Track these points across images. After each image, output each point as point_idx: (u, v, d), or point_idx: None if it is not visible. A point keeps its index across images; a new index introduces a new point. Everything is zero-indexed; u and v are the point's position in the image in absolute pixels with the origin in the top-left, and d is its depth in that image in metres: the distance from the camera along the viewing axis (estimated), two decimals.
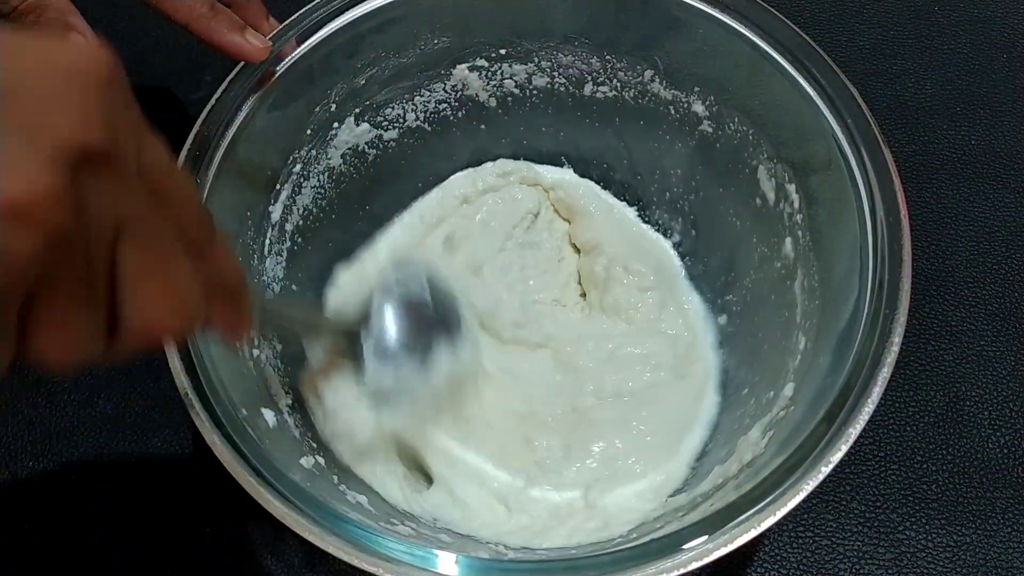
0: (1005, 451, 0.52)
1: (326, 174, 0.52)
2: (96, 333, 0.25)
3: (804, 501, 0.34)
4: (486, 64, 0.53)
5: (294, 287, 0.50)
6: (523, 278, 0.56)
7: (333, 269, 0.53)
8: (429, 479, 0.49)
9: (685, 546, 0.33)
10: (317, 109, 0.49)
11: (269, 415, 0.41)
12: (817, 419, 0.36)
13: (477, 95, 0.55)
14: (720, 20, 0.46)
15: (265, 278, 0.48)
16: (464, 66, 0.53)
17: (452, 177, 0.58)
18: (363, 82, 0.50)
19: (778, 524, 0.34)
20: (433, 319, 0.46)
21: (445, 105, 0.55)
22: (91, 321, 0.25)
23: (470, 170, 0.59)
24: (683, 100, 0.52)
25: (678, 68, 0.51)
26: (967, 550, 0.49)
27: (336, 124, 0.51)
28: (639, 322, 0.53)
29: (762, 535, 0.34)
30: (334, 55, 0.48)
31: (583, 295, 0.57)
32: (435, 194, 0.58)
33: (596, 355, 0.52)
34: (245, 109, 0.44)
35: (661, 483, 0.47)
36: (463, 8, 0.50)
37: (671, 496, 0.47)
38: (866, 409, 0.35)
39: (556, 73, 0.54)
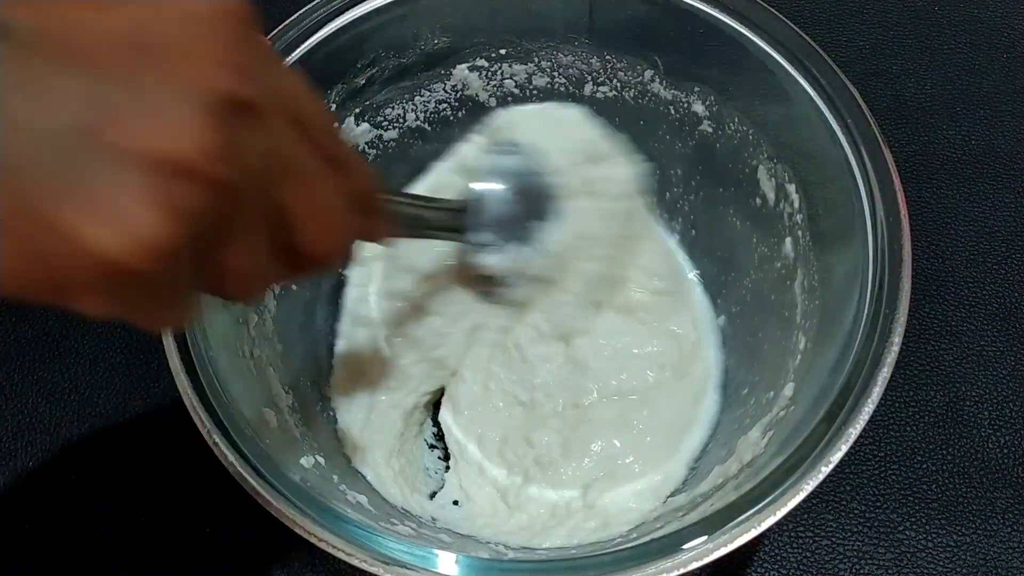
0: (1005, 451, 0.52)
1: None
2: (274, 261, 0.27)
3: (804, 501, 0.34)
4: (486, 64, 0.53)
5: (294, 286, 0.50)
6: None
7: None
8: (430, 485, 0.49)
9: (685, 546, 0.33)
10: None
11: (269, 415, 0.41)
12: (817, 419, 0.36)
13: (477, 95, 0.55)
14: (720, 20, 0.46)
15: None
16: (464, 66, 0.53)
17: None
18: (363, 82, 0.50)
19: (778, 524, 0.34)
20: (536, 199, 0.47)
21: (445, 105, 0.55)
22: (267, 256, 0.26)
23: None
24: (683, 100, 0.52)
25: (678, 68, 0.51)
26: (967, 550, 0.49)
27: (336, 124, 0.51)
28: (650, 322, 0.53)
29: (762, 535, 0.34)
30: (334, 55, 0.48)
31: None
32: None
33: (604, 353, 0.52)
34: None
35: (660, 483, 0.47)
36: (463, 8, 0.50)
37: (670, 496, 0.47)
38: (866, 409, 0.35)
39: (556, 73, 0.54)
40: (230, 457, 0.35)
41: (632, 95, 0.53)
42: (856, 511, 0.50)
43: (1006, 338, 0.55)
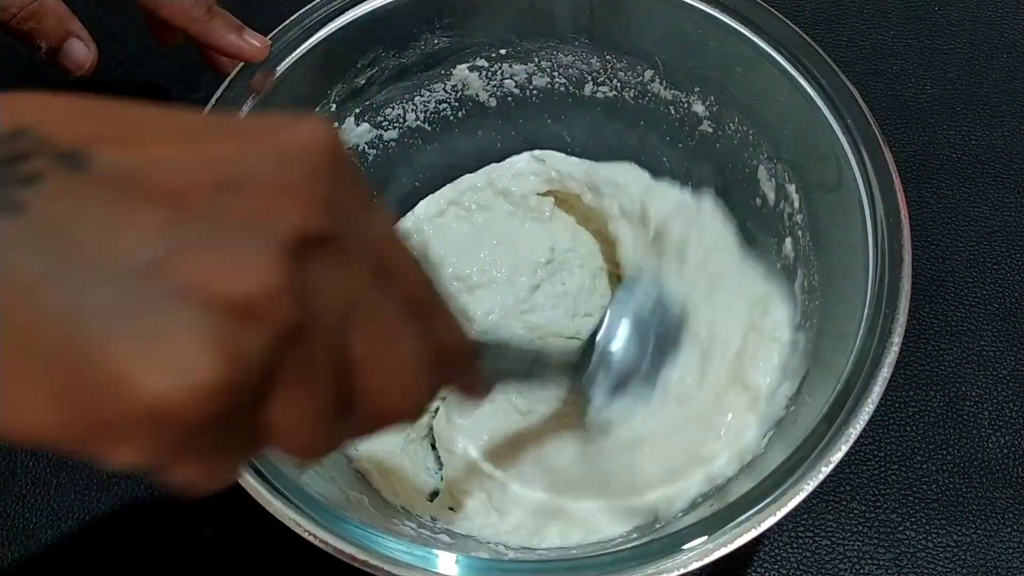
0: (1005, 451, 0.52)
1: None
2: (333, 420, 0.24)
3: (804, 501, 0.34)
4: (486, 64, 0.53)
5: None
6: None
7: None
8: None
9: (685, 546, 0.33)
10: (317, 109, 0.49)
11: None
12: (817, 419, 0.36)
13: (477, 95, 0.55)
14: (720, 20, 0.46)
15: None
16: (464, 66, 0.53)
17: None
18: (363, 82, 0.50)
19: (778, 524, 0.34)
20: (659, 343, 0.44)
21: (445, 105, 0.55)
22: (327, 409, 0.23)
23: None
24: (683, 100, 0.52)
25: (678, 68, 0.51)
26: (967, 550, 0.49)
27: (336, 124, 0.51)
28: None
29: (762, 535, 0.34)
30: (334, 55, 0.48)
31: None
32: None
33: None
34: (245, 109, 0.44)
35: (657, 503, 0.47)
36: (463, 8, 0.50)
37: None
38: (866, 409, 0.35)
39: (556, 73, 0.54)
40: None
41: (632, 95, 0.53)
42: (856, 511, 0.50)
43: (1006, 338, 0.55)
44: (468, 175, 0.58)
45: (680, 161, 0.54)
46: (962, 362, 0.55)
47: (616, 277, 0.56)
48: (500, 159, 0.58)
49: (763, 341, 0.46)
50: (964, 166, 0.62)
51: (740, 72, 0.47)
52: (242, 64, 0.45)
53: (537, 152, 0.58)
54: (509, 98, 0.55)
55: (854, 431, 0.35)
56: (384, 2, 0.48)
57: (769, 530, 0.34)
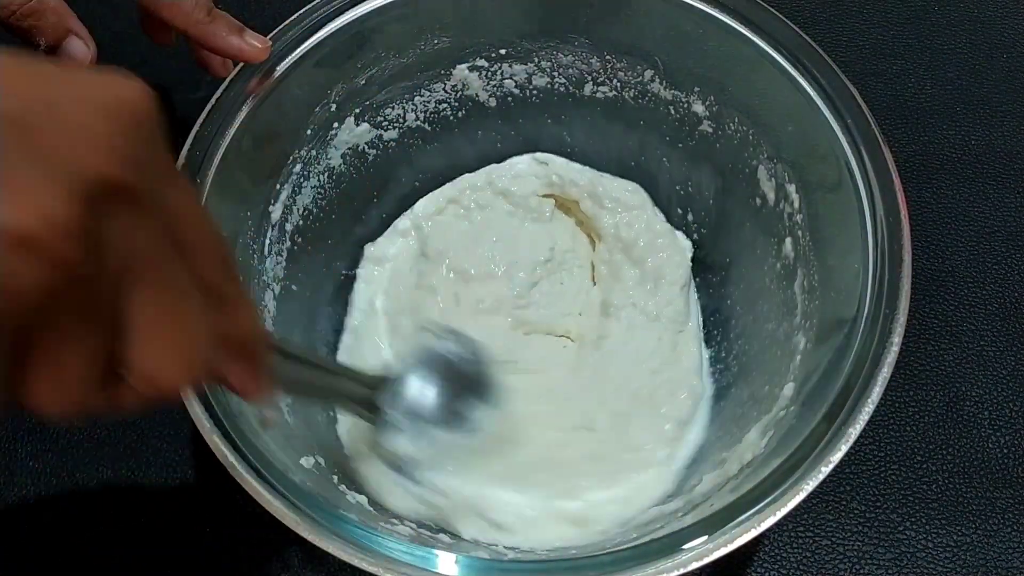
0: (1005, 451, 0.52)
1: (326, 174, 0.52)
2: (95, 380, 0.23)
3: (804, 501, 0.34)
4: (486, 64, 0.53)
5: (294, 287, 0.50)
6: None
7: (334, 267, 0.54)
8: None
9: (685, 546, 0.33)
10: (317, 109, 0.49)
11: (269, 415, 0.41)
12: (817, 419, 0.36)
13: (477, 95, 0.55)
14: (720, 20, 0.46)
15: (265, 278, 0.48)
16: (464, 66, 0.53)
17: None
18: (363, 82, 0.50)
19: (778, 524, 0.34)
20: (459, 382, 0.45)
21: (445, 105, 0.55)
22: (91, 366, 0.23)
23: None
24: (683, 100, 0.52)
25: (678, 68, 0.51)
26: (967, 550, 0.49)
27: (336, 124, 0.51)
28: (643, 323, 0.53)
29: (762, 535, 0.34)
30: (334, 55, 0.48)
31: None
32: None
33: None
34: (245, 109, 0.44)
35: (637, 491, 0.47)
36: (463, 8, 0.50)
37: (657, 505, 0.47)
38: (866, 409, 0.35)
39: (556, 73, 0.54)
40: (230, 457, 0.35)
41: (632, 95, 0.53)
42: (856, 511, 0.50)
43: (1006, 338, 0.55)
44: (468, 175, 0.58)
45: (680, 161, 0.54)
46: (962, 362, 0.55)
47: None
48: (500, 159, 0.58)
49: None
50: (964, 166, 0.62)
51: (740, 72, 0.47)
52: (242, 64, 0.45)
53: (540, 155, 0.58)
54: (509, 98, 0.55)
55: (854, 431, 0.35)
56: (384, 2, 0.48)
57: (769, 530, 0.34)
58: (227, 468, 0.35)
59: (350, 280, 0.56)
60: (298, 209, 0.50)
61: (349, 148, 0.53)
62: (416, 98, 0.54)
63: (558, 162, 0.58)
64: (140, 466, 0.52)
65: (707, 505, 0.39)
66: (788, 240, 0.47)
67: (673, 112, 0.52)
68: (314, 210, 0.52)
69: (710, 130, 0.51)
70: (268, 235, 0.48)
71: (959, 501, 0.50)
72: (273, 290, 0.48)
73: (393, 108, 0.53)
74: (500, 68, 0.54)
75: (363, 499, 0.42)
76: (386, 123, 0.54)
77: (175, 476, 0.51)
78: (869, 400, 0.36)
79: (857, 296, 0.39)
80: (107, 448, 0.53)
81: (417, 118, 0.55)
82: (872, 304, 0.38)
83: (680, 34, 0.48)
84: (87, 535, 0.50)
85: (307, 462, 0.41)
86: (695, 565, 0.33)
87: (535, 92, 0.55)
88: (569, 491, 0.47)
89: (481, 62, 0.53)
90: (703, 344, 0.54)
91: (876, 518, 0.50)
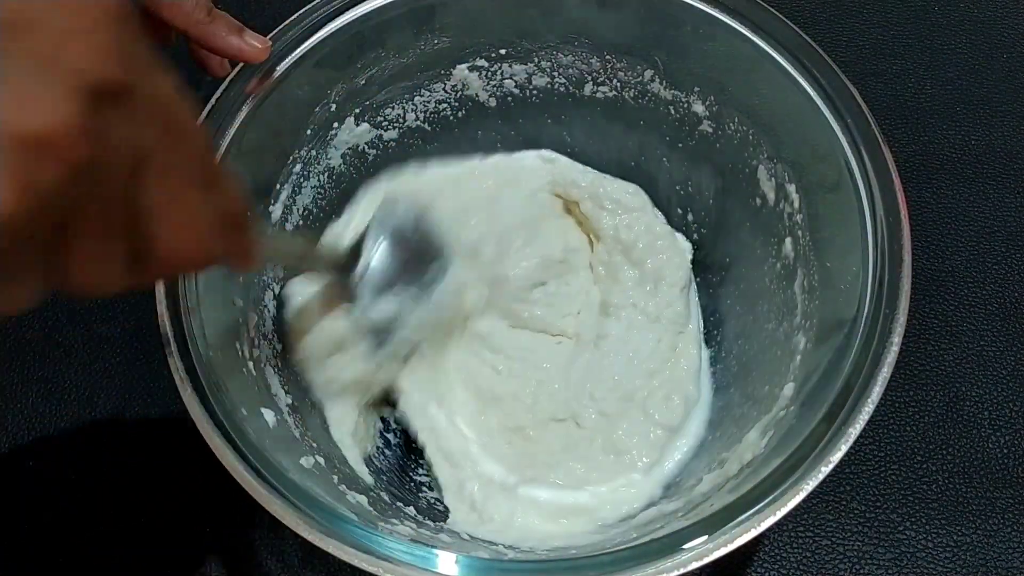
0: (1005, 451, 0.52)
1: (326, 174, 0.52)
2: (124, 262, 0.26)
3: (804, 501, 0.34)
4: (486, 64, 0.53)
5: (295, 286, 0.50)
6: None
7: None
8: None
9: (685, 546, 0.33)
10: (317, 109, 0.49)
11: (269, 415, 0.42)
12: (817, 419, 0.36)
13: (477, 95, 0.55)
14: (720, 20, 0.46)
15: (266, 278, 0.48)
16: (464, 66, 0.53)
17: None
18: (363, 82, 0.50)
19: (778, 524, 0.34)
20: (421, 256, 0.48)
21: (445, 105, 0.55)
22: (119, 251, 0.25)
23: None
24: (683, 100, 0.52)
25: (678, 68, 0.51)
26: (967, 550, 0.49)
27: (336, 124, 0.51)
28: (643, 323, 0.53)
29: (762, 535, 0.34)
30: (334, 55, 0.48)
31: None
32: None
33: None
34: (245, 109, 0.44)
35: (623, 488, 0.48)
36: (463, 8, 0.50)
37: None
38: (866, 409, 0.35)
39: (556, 73, 0.54)
40: (230, 457, 0.35)
41: (632, 95, 0.53)
42: (856, 511, 0.50)
43: (1006, 338, 0.55)
44: (476, 160, 0.57)
45: (680, 161, 0.54)
46: (962, 362, 0.55)
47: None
48: None
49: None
50: (964, 166, 0.62)
51: (740, 72, 0.47)
52: (242, 64, 0.45)
53: (545, 152, 0.58)
54: (509, 98, 0.55)
55: (854, 431, 0.35)
56: (384, 2, 0.48)
57: (769, 530, 0.34)
58: (227, 468, 0.35)
59: None
60: (298, 209, 0.50)
61: (349, 148, 0.53)
62: (416, 98, 0.54)
63: (563, 161, 0.58)
64: (140, 466, 0.52)
65: (707, 505, 0.39)
66: (788, 240, 0.47)
67: (673, 112, 0.52)
68: (314, 210, 0.52)
69: (710, 130, 0.51)
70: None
71: (959, 501, 0.50)
72: (273, 290, 0.48)
73: (393, 108, 0.53)
74: (500, 68, 0.54)
75: (363, 499, 0.42)
76: (386, 123, 0.54)
77: (175, 476, 0.51)
78: (869, 400, 0.36)
79: (857, 296, 0.39)
80: (107, 448, 0.53)
81: (417, 118, 0.55)
82: (872, 304, 0.38)
83: (680, 34, 0.48)
84: (87, 535, 0.50)
85: (307, 462, 0.41)
86: (695, 565, 0.33)
87: (535, 92, 0.55)
88: (536, 477, 0.48)
89: (481, 62, 0.53)
90: (703, 346, 0.54)
91: (876, 518, 0.50)
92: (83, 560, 0.50)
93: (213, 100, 0.44)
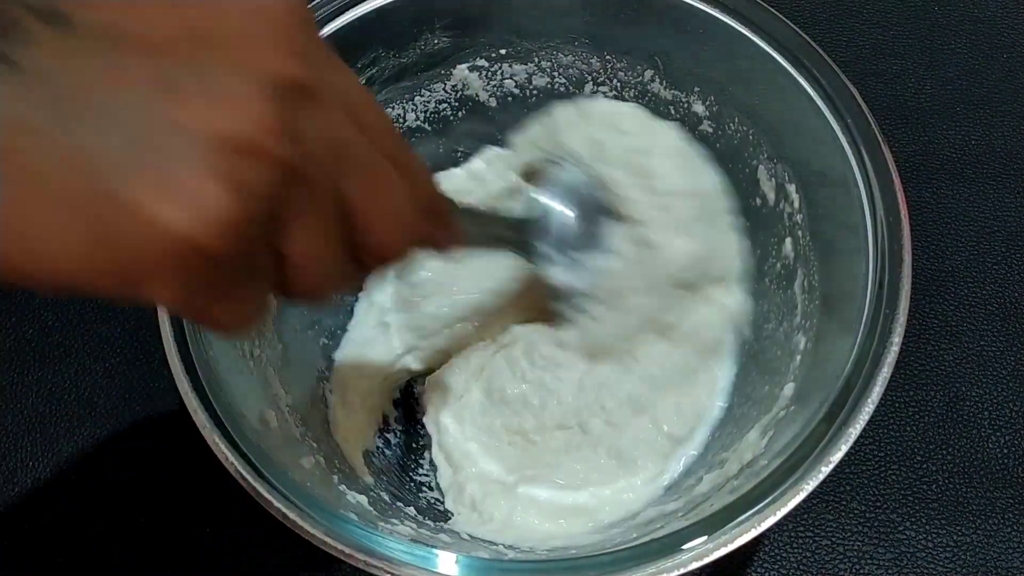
0: (1005, 451, 0.52)
1: None
2: (343, 261, 0.26)
3: (804, 501, 0.34)
4: (486, 64, 0.53)
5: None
6: None
7: None
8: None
9: (685, 546, 0.33)
10: None
11: (269, 415, 0.41)
12: (817, 419, 0.36)
13: (477, 95, 0.55)
14: (720, 20, 0.46)
15: None
16: (464, 66, 0.53)
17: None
18: (363, 82, 0.50)
19: (778, 524, 0.34)
20: (594, 217, 0.47)
21: (445, 105, 0.55)
22: (336, 248, 0.26)
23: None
24: (683, 100, 0.52)
25: (678, 68, 0.51)
26: (967, 550, 0.49)
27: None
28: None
29: (762, 535, 0.34)
30: None
31: None
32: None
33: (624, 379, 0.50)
34: None
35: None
36: (463, 8, 0.50)
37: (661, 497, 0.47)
38: (866, 409, 0.35)
39: (556, 73, 0.54)
40: (230, 457, 0.35)
41: (632, 95, 0.53)
42: (856, 511, 0.50)
43: (1006, 338, 0.55)
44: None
45: None
46: (962, 362, 0.55)
47: None
48: None
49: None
50: (964, 166, 0.62)
51: (740, 72, 0.47)
52: None
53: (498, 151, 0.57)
54: (509, 98, 0.55)
55: (854, 431, 0.35)
56: (384, 2, 0.48)
57: (769, 530, 0.34)
58: (227, 468, 0.35)
59: None
60: None
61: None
62: (416, 98, 0.54)
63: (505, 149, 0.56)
64: (140, 466, 0.52)
65: (707, 505, 0.39)
66: (788, 240, 0.47)
67: (673, 112, 0.52)
68: None
69: (710, 130, 0.51)
70: None
71: (959, 501, 0.50)
72: None
73: (393, 108, 0.53)
74: (500, 68, 0.54)
75: (363, 499, 0.42)
76: None
77: (175, 476, 0.51)
78: (869, 400, 0.36)
79: (857, 296, 0.39)
80: (107, 448, 0.53)
81: (417, 118, 0.55)
82: (872, 304, 0.38)
83: (680, 34, 0.48)
84: (87, 535, 0.50)
85: (307, 462, 0.41)
86: (695, 565, 0.33)
87: (535, 92, 0.55)
88: (536, 477, 0.48)
89: (481, 62, 0.53)
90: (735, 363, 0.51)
91: (876, 518, 0.50)
92: (83, 560, 0.50)
93: None
